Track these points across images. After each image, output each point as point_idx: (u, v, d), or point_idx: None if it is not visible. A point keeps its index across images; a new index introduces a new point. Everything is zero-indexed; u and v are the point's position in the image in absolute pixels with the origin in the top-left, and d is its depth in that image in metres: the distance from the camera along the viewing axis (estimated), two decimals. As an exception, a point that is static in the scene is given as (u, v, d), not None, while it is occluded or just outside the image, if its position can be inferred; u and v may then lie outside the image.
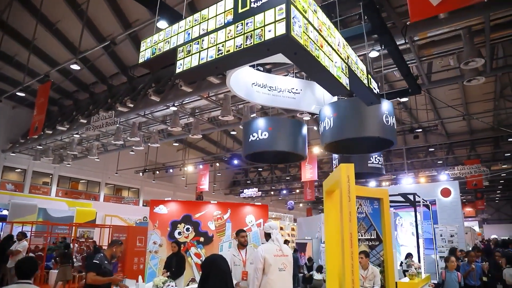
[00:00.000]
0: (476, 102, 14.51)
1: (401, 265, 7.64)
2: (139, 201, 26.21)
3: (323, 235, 10.40)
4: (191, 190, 26.91)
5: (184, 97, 10.51)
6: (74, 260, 10.42)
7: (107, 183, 24.36)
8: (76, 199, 20.71)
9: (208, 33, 2.64)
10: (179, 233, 6.97)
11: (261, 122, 5.20)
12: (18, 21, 11.50)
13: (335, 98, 6.06)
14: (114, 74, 13.24)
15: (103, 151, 17.39)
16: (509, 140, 17.75)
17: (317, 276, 8.80)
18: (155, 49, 3.06)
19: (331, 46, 2.79)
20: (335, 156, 7.19)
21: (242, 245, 4.92)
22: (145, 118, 12.52)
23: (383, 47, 5.68)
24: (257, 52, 2.40)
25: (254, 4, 2.42)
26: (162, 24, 8.37)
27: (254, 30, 2.35)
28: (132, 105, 11.13)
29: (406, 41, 7.11)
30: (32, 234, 12.23)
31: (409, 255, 7.61)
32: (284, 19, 2.21)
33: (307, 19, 2.46)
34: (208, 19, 2.69)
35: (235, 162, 20.62)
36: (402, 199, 7.03)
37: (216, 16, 2.64)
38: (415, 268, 5.20)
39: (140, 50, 3.20)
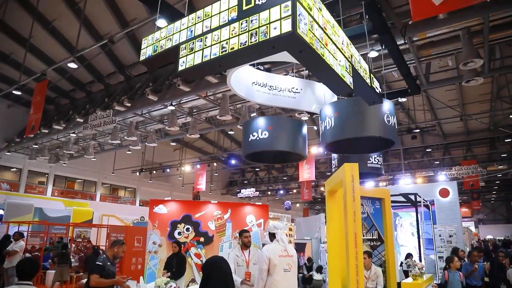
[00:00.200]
0: (473, 103, 14.58)
1: (401, 265, 7.63)
2: (135, 201, 26.11)
3: (323, 235, 10.39)
4: (188, 190, 26.84)
5: (182, 97, 10.44)
6: (72, 260, 10.34)
7: (103, 183, 24.24)
8: (73, 199, 20.58)
9: (211, 30, 2.61)
10: (179, 233, 6.90)
11: (261, 122, 5.17)
12: (14, 19, 11.40)
13: (335, 98, 6.04)
14: (111, 73, 13.15)
15: (100, 150, 17.29)
16: (505, 141, 17.84)
17: (317, 276, 8.77)
18: (157, 46, 3.02)
19: (335, 45, 2.77)
20: (334, 156, 7.18)
21: (245, 245, 4.85)
22: (143, 117, 12.45)
23: (383, 47, 5.67)
24: (262, 50, 2.37)
25: (259, 1, 2.39)
26: (161, 22, 8.35)
27: (259, 27, 2.32)
28: (129, 104, 11.05)
29: (405, 41, 7.11)
30: (28, 234, 12.12)
31: (409, 255, 7.61)
32: (290, 16, 2.18)
33: (312, 17, 2.43)
34: (211, 16, 2.66)
35: (233, 162, 20.57)
36: (402, 199, 7.03)
37: (219, 13, 2.61)
38: (419, 269, 5.18)
39: (141, 48, 3.16)
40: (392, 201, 5.04)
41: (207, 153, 23.99)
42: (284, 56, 4.52)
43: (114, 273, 4.47)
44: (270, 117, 5.38)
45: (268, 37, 2.26)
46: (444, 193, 10.65)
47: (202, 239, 7.00)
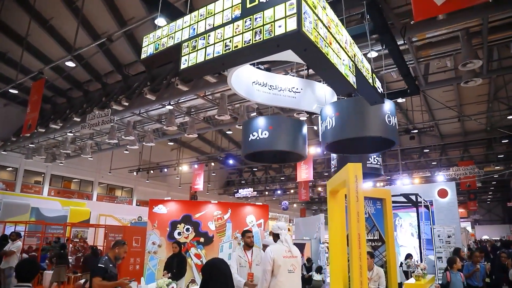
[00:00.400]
0: (470, 104, 14.63)
1: (401, 265, 7.62)
2: (132, 201, 26.01)
3: (322, 235, 10.38)
4: (185, 190, 26.77)
5: (180, 96, 10.41)
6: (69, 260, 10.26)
7: (100, 182, 24.13)
8: (69, 199, 20.45)
9: (214, 28, 2.58)
10: (179, 234, 6.83)
11: (261, 121, 5.15)
12: (11, 17, 11.31)
13: (335, 98, 6.03)
14: (109, 72, 13.09)
15: (97, 150, 17.20)
16: (502, 141, 17.91)
17: (316, 277, 8.74)
18: (158, 44, 2.99)
19: (339, 44, 2.75)
20: (334, 156, 7.17)
21: (248, 245, 4.79)
22: (140, 117, 12.40)
23: (383, 47, 5.66)
24: (266, 48, 2.35)
25: (263, -1, 2.36)
26: (160, 21, 8.31)
27: (263, 25, 2.30)
28: (127, 104, 11.00)
29: (405, 41, 7.11)
30: (25, 234, 12.02)
31: (409, 256, 7.61)
32: (295, 15, 2.16)
33: (317, 15, 2.41)
34: (214, 14, 2.63)
35: (230, 162, 20.53)
36: (402, 200, 7.03)
37: (223, 11, 2.58)
38: (421, 269, 5.17)
39: (142, 46, 3.13)
40: (392, 202, 5.03)
41: (204, 153, 23.94)
42: (284, 55, 4.50)
43: (116, 275, 4.36)
44: (270, 116, 5.36)
45: (273, 35, 2.23)
46: (442, 193, 10.66)
47: (202, 240, 6.94)
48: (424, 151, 20.67)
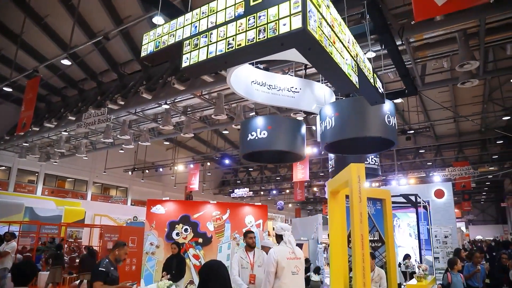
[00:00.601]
0: (465, 105, 14.71)
1: (399, 266, 7.62)
2: (127, 200, 25.86)
3: (320, 235, 10.37)
4: (180, 190, 26.68)
5: (177, 95, 10.35)
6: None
7: (94, 182, 23.96)
8: (64, 198, 20.27)
9: (217, 26, 2.55)
10: (177, 234, 6.75)
11: (260, 121, 5.12)
12: (5, 14, 11.17)
13: (334, 98, 6.01)
14: (104, 70, 12.99)
15: (92, 149, 17.07)
16: (497, 142, 18.03)
17: (314, 277, 8.70)
18: (159, 42, 2.95)
19: (342, 43, 2.73)
20: (331, 156, 7.16)
21: (249, 246, 4.73)
22: (136, 116, 12.31)
23: (383, 47, 5.66)
24: (270, 47, 2.31)
25: (267, -4, 2.33)
26: (158, 20, 8.25)
27: (267, 23, 2.27)
28: (122, 103, 10.92)
29: (403, 42, 7.12)
30: (19, 234, 11.86)
31: (407, 256, 7.62)
32: (300, 13, 2.13)
33: (321, 14, 2.38)
34: (217, 12, 2.60)
35: (226, 162, 20.48)
36: (400, 200, 7.04)
37: (225, 8, 2.55)
38: (423, 270, 5.17)
39: (142, 44, 3.09)
40: (392, 202, 5.02)
41: (200, 153, 23.87)
42: (284, 55, 4.47)
43: (118, 278, 4.23)
44: (269, 116, 5.33)
45: (277, 33, 2.20)
46: (439, 194, 10.71)
47: (200, 240, 6.86)
48: (420, 151, 20.76)
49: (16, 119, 13.44)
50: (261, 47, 2.30)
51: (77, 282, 9.48)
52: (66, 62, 10.23)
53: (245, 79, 5.02)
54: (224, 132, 19.87)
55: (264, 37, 2.26)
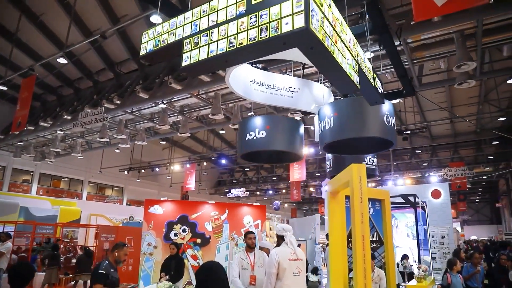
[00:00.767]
0: (461, 105, 14.79)
1: (397, 266, 7.62)
2: (123, 200, 25.75)
3: (318, 236, 10.36)
4: (176, 190, 26.61)
5: (174, 95, 10.31)
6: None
7: (90, 181, 23.83)
8: (59, 198, 20.12)
9: (218, 25, 2.52)
10: (175, 234, 6.68)
11: (258, 121, 5.09)
12: (0, 12, 11.07)
13: (332, 98, 6.01)
14: (100, 69, 12.91)
15: (87, 148, 16.97)
16: (493, 143, 18.14)
17: (312, 278, 8.67)
18: (158, 41, 2.92)
19: (343, 43, 2.71)
20: (329, 156, 7.15)
21: (249, 247, 4.68)
22: (132, 115, 12.25)
23: (381, 47, 5.66)
24: (272, 46, 2.29)
25: (268, -5, 2.31)
26: (155, 18, 8.21)
27: (269, 22, 2.25)
28: (119, 102, 10.87)
29: (400, 42, 7.13)
30: (14, 235, 11.72)
31: (405, 257, 7.63)
32: (303, 12, 2.11)
33: (323, 13, 2.37)
34: (217, 10, 2.57)
35: (223, 161, 20.44)
36: (397, 201, 7.04)
37: (226, 7, 2.52)
38: (423, 271, 5.17)
39: (142, 42, 3.05)
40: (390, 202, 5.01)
41: (196, 153, 23.81)
42: (283, 54, 4.45)
43: (118, 280, 4.16)
44: (267, 116, 5.31)
45: (279, 32, 2.18)
46: (436, 194, 10.75)
47: (199, 241, 6.80)
48: (416, 152, 20.84)
49: (10, 118, 13.34)
50: (263, 46, 2.28)
51: (72, 283, 9.39)
52: (62, 60, 10.16)
53: (244, 79, 5.00)
54: (221, 132, 19.83)
55: (266, 36, 2.23)
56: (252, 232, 4.85)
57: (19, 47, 11.85)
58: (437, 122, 16.07)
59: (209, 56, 2.49)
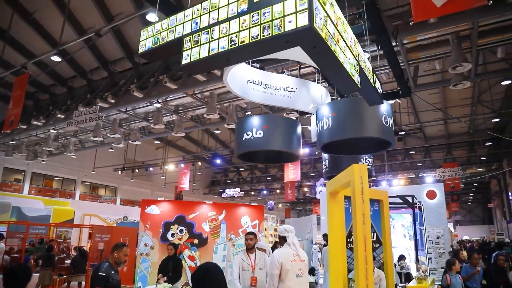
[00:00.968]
0: (454, 106, 14.90)
1: (394, 267, 7.59)
2: (116, 200, 25.56)
3: (315, 236, 10.34)
4: (170, 190, 26.49)
5: (168, 94, 10.23)
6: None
7: (83, 181, 23.62)
8: (52, 197, 19.89)
9: (219, 23, 2.48)
10: (172, 235, 6.60)
11: (255, 121, 5.06)
12: (-8, 9, 10.91)
13: (329, 98, 6.00)
14: (94, 68, 12.77)
15: (80, 147, 16.81)
16: (486, 144, 18.31)
17: (309, 278, 8.62)
18: (157, 38, 2.87)
19: (345, 42, 2.69)
20: (325, 156, 7.14)
21: (247, 248, 4.63)
22: (127, 114, 12.15)
23: (379, 48, 5.67)
24: (275, 44, 2.27)
25: (271, -7, 2.28)
26: (154, 17, 8.13)
27: (272, 20, 2.22)
28: (113, 101, 10.76)
29: (397, 43, 7.14)
30: (7, 235, 11.53)
31: (402, 257, 7.64)
32: (307, 10, 2.09)
33: (326, 12, 2.34)
34: (218, 8, 2.54)
35: (217, 161, 20.38)
36: (394, 201, 7.05)
37: (228, 5, 2.49)
38: (423, 272, 5.17)
39: (140, 39, 3.01)
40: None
41: (190, 152, 23.72)
42: (282, 53, 4.43)
43: (119, 282, 4.03)
44: (265, 116, 5.29)
45: (282, 30, 2.16)
46: (431, 194, 10.81)
47: (196, 241, 6.72)
48: (411, 152, 20.97)
49: (3, 117, 13.14)
50: (265, 44, 2.25)
51: (65, 284, 9.27)
52: (56, 58, 10.03)
53: (241, 78, 4.97)
54: (216, 131, 19.77)
55: (269, 34, 2.20)
56: (249, 233, 4.79)
57: (12, 44, 11.68)
58: (431, 123, 16.18)
59: (210, 54, 2.45)
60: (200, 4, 2.66)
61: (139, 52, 2.97)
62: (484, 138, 17.05)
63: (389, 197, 4.31)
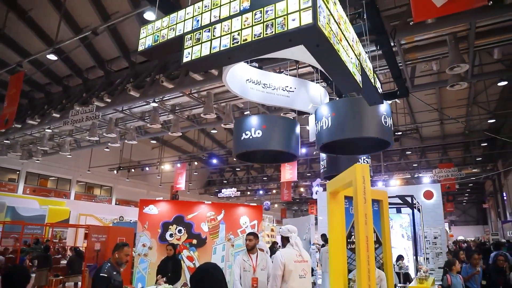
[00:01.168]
0: (450, 107, 14.97)
1: (393, 267, 7.60)
2: (111, 200, 25.43)
3: (313, 236, 10.33)
4: (166, 189, 26.39)
5: (165, 93, 10.18)
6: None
7: (78, 181, 23.46)
8: (48, 197, 19.72)
9: (221, 20, 2.46)
10: (171, 235, 6.53)
11: (254, 120, 5.03)
12: (-14, 7, 10.79)
13: (327, 98, 5.99)
14: (90, 67, 12.69)
15: (76, 147, 16.70)
16: (481, 145, 18.41)
17: (308, 278, 8.59)
18: (158, 36, 2.84)
19: (347, 41, 2.68)
20: (323, 156, 7.12)
21: (248, 249, 4.58)
22: (123, 114, 12.07)
23: (378, 48, 5.67)
24: (278, 43, 2.24)
25: (274, -9, 2.26)
26: (149, 15, 8.08)
27: (275, 18, 2.20)
28: (109, 100, 10.69)
29: (394, 44, 7.15)
30: (1, 235, 11.38)
31: (400, 257, 7.65)
32: (311, 8, 2.07)
33: (329, 10, 2.32)
34: (220, 5, 2.51)
35: (214, 161, 20.34)
36: (393, 201, 7.04)
37: (230, 2, 2.46)
38: (424, 272, 5.17)
39: (140, 37, 2.97)
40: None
41: (186, 152, 23.65)
42: (282, 53, 4.40)
43: (121, 283, 3.93)
44: (263, 115, 5.25)
45: (286, 29, 2.13)
46: (428, 195, 10.84)
47: (194, 241, 6.65)
48: (407, 153, 21.05)
49: (-3, 116, 13.01)
50: (268, 42, 2.23)
51: (61, 285, 9.17)
52: (51, 57, 9.93)
53: (240, 78, 4.94)
54: (212, 131, 19.72)
55: (272, 32, 2.18)
56: (249, 234, 4.73)
57: (6, 43, 11.57)
58: (427, 123, 16.24)
59: (211, 52, 2.42)
60: (201, 2, 2.64)
61: (138, 50, 2.93)
62: (480, 139, 17.15)
63: (389, 197, 4.30)
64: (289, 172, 15.83)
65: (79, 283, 9.14)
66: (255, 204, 7.44)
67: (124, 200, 26.05)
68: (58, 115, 11.58)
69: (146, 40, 2.92)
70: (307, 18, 2.06)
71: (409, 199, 7.32)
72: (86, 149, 17.18)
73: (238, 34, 2.33)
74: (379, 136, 4.28)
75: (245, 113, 10.71)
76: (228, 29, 2.39)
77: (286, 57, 5.25)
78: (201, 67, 2.72)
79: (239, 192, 26.79)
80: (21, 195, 19.30)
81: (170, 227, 6.62)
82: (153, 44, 2.84)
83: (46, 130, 13.38)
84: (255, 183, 29.89)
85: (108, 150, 18.45)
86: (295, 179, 16.39)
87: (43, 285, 8.77)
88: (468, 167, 21.06)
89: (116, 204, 25.15)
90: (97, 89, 11.86)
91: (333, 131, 4.39)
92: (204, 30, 2.53)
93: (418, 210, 7.72)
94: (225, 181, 30.94)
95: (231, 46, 2.33)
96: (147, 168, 22.70)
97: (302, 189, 29.57)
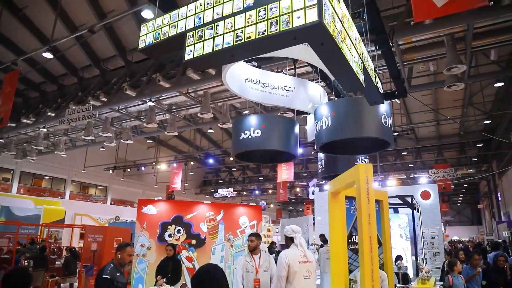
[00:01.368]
0: (446, 108, 15.04)
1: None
2: (107, 200, 25.27)
3: (311, 236, 10.33)
4: (161, 189, 26.28)
5: (162, 93, 10.13)
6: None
7: (73, 180, 23.29)
8: (43, 197, 19.53)
9: (224, 18, 2.42)
10: (170, 235, 6.46)
11: (253, 120, 5.00)
12: (-20, 4, 10.66)
13: (326, 98, 5.97)
14: (86, 66, 12.58)
15: (71, 146, 16.57)
16: (477, 145, 18.51)
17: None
18: (159, 33, 2.80)
19: (351, 40, 2.66)
20: (321, 156, 7.10)
21: (250, 250, 4.52)
22: (119, 113, 11.99)
23: (377, 48, 5.66)
24: (282, 40, 2.21)
25: (278, -12, 2.23)
26: (147, 13, 8.02)
27: (280, 16, 2.17)
28: (105, 99, 10.61)
29: (393, 44, 7.15)
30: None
31: (399, 258, 7.65)
32: (316, 5, 2.04)
33: (333, 8, 2.30)
34: (223, 2, 2.48)
35: (210, 161, 20.29)
36: (392, 201, 7.04)
37: (233, -1, 2.43)
38: (426, 272, 5.16)
39: (140, 35, 2.93)
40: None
41: (182, 152, 23.56)
42: (282, 52, 4.38)
43: (125, 285, 3.81)
44: (262, 115, 5.23)
45: (291, 26, 2.10)
46: (425, 195, 10.88)
47: (194, 242, 6.59)
48: (403, 153, 21.13)
49: (-9, 114, 12.86)
50: (273, 40, 2.20)
51: (55, 286, 9.07)
52: (47, 55, 9.83)
53: (239, 77, 4.91)
54: (209, 131, 19.68)
55: (276, 30, 2.15)
56: (251, 234, 4.68)
57: (0, 40, 11.45)
58: (422, 124, 16.31)
59: (214, 50, 2.39)
60: (203, -1, 2.60)
61: (139, 47, 2.89)
62: (475, 139, 17.25)
63: (389, 197, 4.29)
64: (285, 172, 15.82)
65: (75, 284, 9.05)
66: (254, 204, 7.39)
67: (120, 200, 25.91)
68: (53, 114, 11.48)
69: (146, 37, 2.88)
70: (312, 16, 2.04)
71: (409, 199, 7.33)
72: (81, 148, 17.06)
73: (242, 32, 2.30)
74: (379, 136, 4.26)
75: (244, 112, 10.67)
76: (231, 26, 2.36)
77: (285, 56, 5.23)
78: (203, 65, 2.68)
79: (235, 192, 26.76)
80: (16, 194, 19.11)
81: (169, 227, 6.55)
82: (153, 41, 2.81)
83: (41, 129, 13.25)
84: (251, 183, 29.86)
85: (104, 149, 18.33)
86: (292, 179, 16.38)
87: (39, 286, 8.65)
88: (463, 168, 21.18)
89: (111, 204, 25.00)
90: (92, 88, 11.77)
91: (333, 131, 4.37)
92: (206, 27, 2.49)
93: (417, 210, 7.73)
94: (221, 181, 30.89)
95: (235, 43, 2.30)
96: (142, 168, 22.60)
97: (298, 189, 29.59)
